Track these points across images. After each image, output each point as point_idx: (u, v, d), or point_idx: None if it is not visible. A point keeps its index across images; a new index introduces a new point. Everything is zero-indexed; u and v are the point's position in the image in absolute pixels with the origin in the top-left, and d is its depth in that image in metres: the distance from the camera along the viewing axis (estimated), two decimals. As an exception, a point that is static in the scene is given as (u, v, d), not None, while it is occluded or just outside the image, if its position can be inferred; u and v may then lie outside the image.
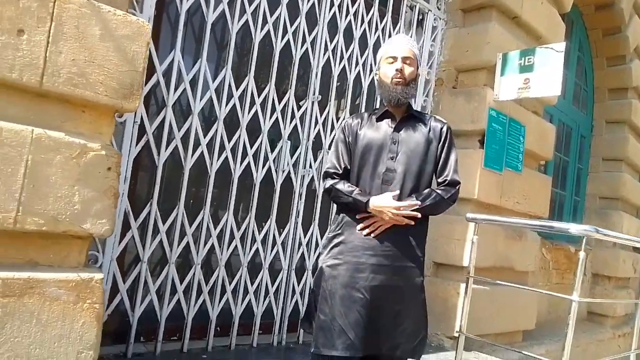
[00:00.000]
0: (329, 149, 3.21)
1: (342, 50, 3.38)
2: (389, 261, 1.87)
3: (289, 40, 3.10)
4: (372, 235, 1.89)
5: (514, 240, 4.00)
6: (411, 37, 3.80)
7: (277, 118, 3.07)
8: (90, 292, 1.88)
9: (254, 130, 2.97)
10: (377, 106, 2.42)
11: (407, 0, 3.76)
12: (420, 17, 3.91)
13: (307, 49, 3.20)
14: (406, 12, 3.82)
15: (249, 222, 2.96)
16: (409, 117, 2.02)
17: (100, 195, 1.90)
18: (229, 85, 2.84)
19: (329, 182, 1.99)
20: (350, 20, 3.40)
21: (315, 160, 3.25)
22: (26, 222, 1.75)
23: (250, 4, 2.90)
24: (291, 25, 3.10)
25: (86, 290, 1.87)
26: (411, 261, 1.91)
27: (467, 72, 3.96)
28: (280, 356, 2.94)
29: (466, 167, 3.74)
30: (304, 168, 3.19)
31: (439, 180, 2.01)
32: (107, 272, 2.42)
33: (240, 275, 2.94)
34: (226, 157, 2.85)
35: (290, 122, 3.14)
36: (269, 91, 3.02)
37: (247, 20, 2.89)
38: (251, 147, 2.95)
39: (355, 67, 3.50)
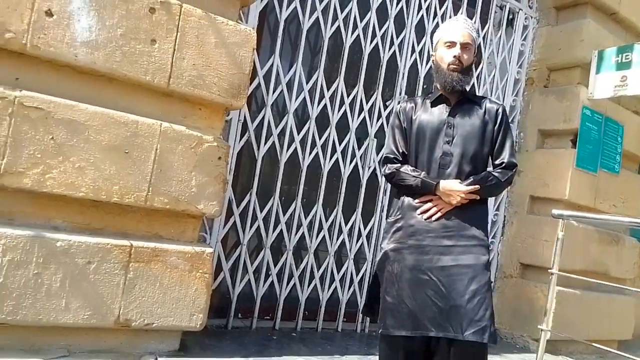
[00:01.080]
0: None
1: (429, 52, 3.49)
2: (452, 242, 1.88)
3: (377, 43, 3.27)
4: (434, 218, 1.91)
5: (609, 245, 3.83)
6: (500, 37, 3.81)
7: (364, 117, 3.25)
8: (202, 263, 2.18)
9: (342, 128, 3.18)
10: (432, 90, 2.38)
11: (496, 0, 3.78)
12: (511, 17, 3.90)
13: (394, 51, 3.35)
14: (495, 12, 3.84)
15: (336, 214, 3.17)
16: (463, 101, 2.01)
17: (212, 180, 2.21)
18: (321, 87, 3.07)
19: (392, 166, 2.01)
20: (437, 23, 3.50)
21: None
22: (154, 200, 2.09)
23: (342, 11, 3.11)
24: (380, 29, 3.27)
25: (199, 261, 2.18)
26: (474, 241, 1.90)
27: (559, 70, 3.87)
28: (363, 342, 3.10)
29: (557, 167, 3.68)
30: (390, 165, 3.34)
31: (496, 162, 2.01)
32: (213, 252, 2.74)
33: (327, 264, 3.15)
34: (317, 153, 3.08)
35: (377, 121, 3.30)
36: (357, 92, 3.21)
37: (338, 26, 3.11)
38: (340, 144, 3.16)
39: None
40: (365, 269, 3.31)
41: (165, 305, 2.11)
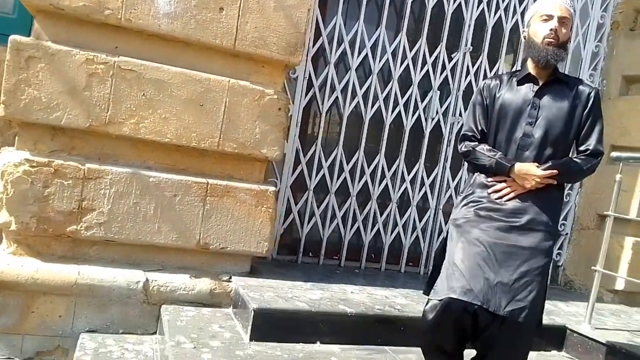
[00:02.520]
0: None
1: (497, 2, 3.47)
2: (519, 223, 1.85)
3: (441, -4, 3.33)
4: (505, 199, 1.88)
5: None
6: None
7: (427, 70, 3.37)
8: (266, 199, 2.56)
9: (405, 82, 3.33)
10: (519, 67, 2.25)
11: (576, -59, 3.60)
12: (594, -43, 3.68)
13: (460, 2, 3.38)
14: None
15: (398, 164, 3.37)
16: (553, 81, 1.92)
17: (273, 128, 2.55)
18: (383, 42, 3.24)
19: (469, 144, 1.99)
20: (506, -29, 3.45)
21: (465, 110, 3.46)
22: (225, 146, 2.48)
23: (403, -33, 3.22)
24: (443, -18, 3.32)
25: (264, 197, 2.55)
26: (542, 225, 1.86)
27: (648, 11, 3.61)
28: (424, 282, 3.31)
29: (641, 115, 3.50)
30: (454, 116, 3.44)
31: (581, 148, 1.93)
32: (283, 195, 3.12)
33: (390, 210, 3.39)
34: (379, 106, 3.29)
35: (441, 74, 3.40)
36: (420, 45, 3.32)
37: (400, -18, 3.23)
38: (402, 97, 3.33)
39: (513, 16, 3.54)
40: (428, 217, 3.49)
41: (236, 233, 2.53)
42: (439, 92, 3.39)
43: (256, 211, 2.55)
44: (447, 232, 2.01)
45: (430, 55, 3.37)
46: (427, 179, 3.45)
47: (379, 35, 3.24)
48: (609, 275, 3.54)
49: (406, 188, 3.42)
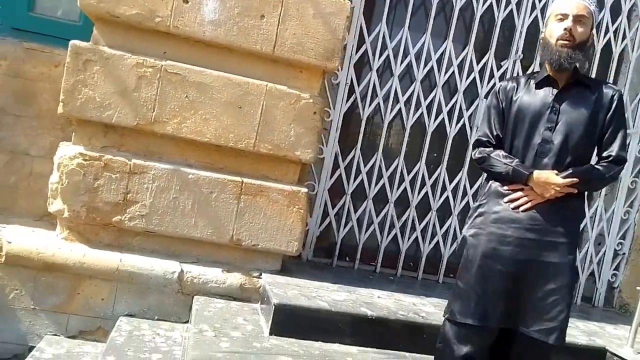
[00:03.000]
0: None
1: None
2: (537, 236, 1.76)
3: (491, 3, 3.27)
4: (522, 208, 1.80)
5: None
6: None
7: (474, 78, 3.31)
8: (298, 200, 2.63)
9: (450, 89, 3.29)
10: (537, 69, 2.11)
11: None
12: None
13: (512, 9, 3.30)
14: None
15: (440, 172, 3.33)
16: (574, 84, 1.82)
17: (307, 131, 2.62)
18: (428, 50, 3.23)
19: (484, 150, 1.90)
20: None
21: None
22: (261, 147, 2.59)
23: (451, -26, 3.20)
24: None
25: (295, 198, 2.63)
26: (562, 238, 1.77)
27: None
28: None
29: None
30: (500, 126, 3.34)
31: (603, 154, 1.84)
32: (320, 198, 3.18)
33: (430, 218, 3.35)
34: (421, 113, 3.27)
35: (489, 82, 3.33)
36: (467, 53, 3.27)
37: (448, -12, 3.21)
38: (446, 105, 3.29)
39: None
40: (470, 227, 3.41)
41: (267, 232, 2.62)
42: (485, 101, 3.32)
43: (288, 211, 2.63)
44: (462, 244, 1.92)
45: (478, 63, 3.31)
46: (470, 188, 3.38)
47: (424, 42, 3.23)
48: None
49: (447, 197, 3.36)
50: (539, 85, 1.86)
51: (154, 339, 2.29)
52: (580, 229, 1.92)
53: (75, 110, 2.43)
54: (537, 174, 1.79)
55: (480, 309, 1.77)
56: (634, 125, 3.52)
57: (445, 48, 3.26)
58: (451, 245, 3.39)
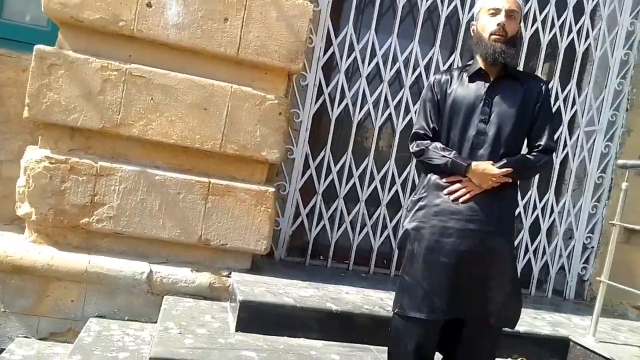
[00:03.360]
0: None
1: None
2: (477, 226, 1.80)
3: (456, 5, 3.34)
4: (461, 200, 1.83)
5: None
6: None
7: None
8: (265, 200, 2.67)
9: (419, 89, 3.36)
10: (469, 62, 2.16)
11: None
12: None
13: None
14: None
15: (410, 170, 3.38)
16: (504, 77, 1.88)
17: (273, 132, 2.66)
18: (395, 51, 3.29)
19: (421, 143, 1.93)
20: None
21: None
22: (227, 147, 2.63)
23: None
24: None
25: (263, 198, 2.67)
26: (500, 226, 1.83)
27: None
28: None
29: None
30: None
31: (534, 144, 1.89)
32: (292, 198, 3.21)
33: (400, 216, 3.40)
34: (390, 114, 3.33)
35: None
36: (433, 54, 3.34)
37: None
38: (414, 105, 3.35)
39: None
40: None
41: (236, 231, 2.65)
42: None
43: (255, 210, 2.66)
44: (404, 238, 1.95)
45: (444, 63, 3.38)
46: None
47: (391, 43, 3.29)
48: (634, 292, 3.37)
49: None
50: (471, 79, 1.90)
51: (123, 338, 2.30)
52: (515, 217, 1.98)
53: (40, 114, 2.46)
54: (475, 165, 1.82)
55: (427, 302, 1.80)
56: (598, 122, 3.61)
57: (412, 49, 3.33)
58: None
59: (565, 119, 3.53)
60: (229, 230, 2.65)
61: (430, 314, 1.79)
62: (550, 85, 1.92)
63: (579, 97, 3.55)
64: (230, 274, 2.66)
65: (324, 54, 3.20)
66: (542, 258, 3.60)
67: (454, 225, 1.82)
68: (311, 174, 3.26)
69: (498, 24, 1.81)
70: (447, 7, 3.33)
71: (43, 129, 2.54)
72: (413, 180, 3.39)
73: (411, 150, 2.00)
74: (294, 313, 2.27)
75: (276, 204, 2.78)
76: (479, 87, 1.88)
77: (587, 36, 3.57)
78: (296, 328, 2.27)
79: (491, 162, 1.84)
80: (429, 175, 1.94)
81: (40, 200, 2.47)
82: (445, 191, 1.87)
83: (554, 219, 3.61)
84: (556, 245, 3.62)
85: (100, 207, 2.52)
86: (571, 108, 3.55)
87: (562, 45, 3.50)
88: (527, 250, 3.57)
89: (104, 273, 2.50)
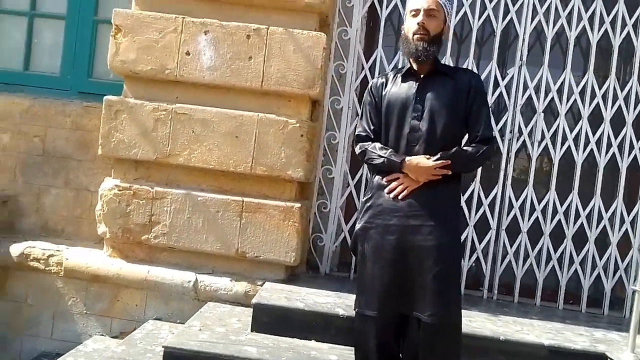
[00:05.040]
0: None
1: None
2: (418, 222, 1.85)
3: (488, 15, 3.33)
4: (400, 197, 1.89)
5: None
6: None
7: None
8: (292, 215, 2.93)
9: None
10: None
11: None
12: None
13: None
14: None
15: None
16: (434, 73, 1.94)
17: (296, 153, 2.93)
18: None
19: (363, 145, 2.01)
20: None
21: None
22: (257, 169, 2.96)
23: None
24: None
25: (290, 213, 2.93)
26: (442, 221, 1.86)
27: None
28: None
29: None
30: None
31: (471, 136, 1.93)
32: (333, 215, 3.41)
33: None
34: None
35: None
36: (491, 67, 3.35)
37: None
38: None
39: None
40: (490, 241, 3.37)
41: (267, 244, 2.94)
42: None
43: (284, 225, 2.93)
44: (354, 239, 2.05)
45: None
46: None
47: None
48: None
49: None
50: (404, 79, 1.99)
51: (167, 336, 2.70)
52: (460, 209, 1.96)
53: (110, 151, 3.04)
54: (408, 160, 1.89)
55: (376, 299, 1.87)
56: None
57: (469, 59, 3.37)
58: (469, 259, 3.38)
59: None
60: (261, 244, 2.95)
61: (380, 311, 1.87)
62: (482, 77, 1.96)
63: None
64: (264, 283, 2.94)
65: (356, 79, 3.40)
66: (614, 274, 3.27)
67: (395, 223, 1.88)
68: (351, 192, 3.43)
69: (418, 23, 1.90)
70: (478, 20, 3.32)
71: (114, 163, 3.13)
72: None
73: (356, 152, 2.10)
74: (303, 317, 2.46)
75: (303, 219, 3.01)
76: (411, 86, 1.96)
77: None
78: (305, 330, 2.45)
79: (427, 155, 1.89)
80: (374, 177, 2.03)
81: (112, 221, 3.02)
82: (386, 190, 1.94)
83: (626, 229, 3.28)
84: (609, 257, 3.26)
85: (156, 225, 3.00)
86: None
87: (616, 41, 3.24)
88: (594, 265, 3.27)
89: (160, 282, 2.95)
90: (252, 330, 2.47)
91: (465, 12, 3.29)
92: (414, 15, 1.95)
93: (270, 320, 2.46)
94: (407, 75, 2.01)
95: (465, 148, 1.95)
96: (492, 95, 3.28)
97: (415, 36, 1.92)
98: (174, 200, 2.99)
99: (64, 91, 3.59)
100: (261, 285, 2.93)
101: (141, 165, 3.08)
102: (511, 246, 3.27)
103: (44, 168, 3.44)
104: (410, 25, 1.97)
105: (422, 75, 1.98)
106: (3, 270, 3.09)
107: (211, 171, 3.02)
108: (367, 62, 3.40)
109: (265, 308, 2.49)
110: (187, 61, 2.99)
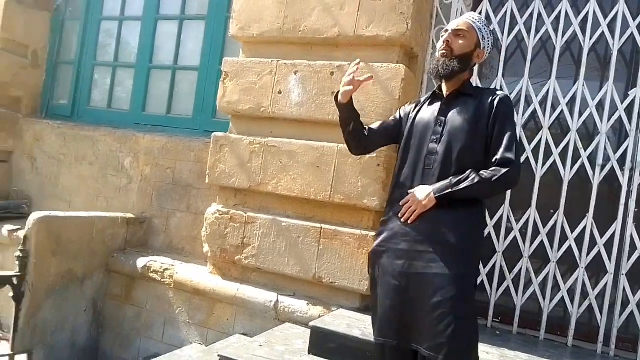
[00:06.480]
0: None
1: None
2: (424, 247, 1.78)
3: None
4: (409, 221, 1.84)
5: None
6: None
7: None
8: (366, 243, 2.95)
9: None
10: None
11: None
12: None
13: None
14: None
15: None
16: (457, 95, 1.89)
17: (372, 182, 2.98)
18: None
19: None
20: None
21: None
22: (335, 197, 3.07)
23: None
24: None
25: (364, 241, 2.96)
26: (450, 249, 1.76)
27: None
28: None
29: None
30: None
31: (492, 160, 1.81)
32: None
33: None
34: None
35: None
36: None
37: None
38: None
39: None
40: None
41: (342, 271, 3.00)
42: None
43: (358, 253, 2.97)
44: (368, 263, 2.02)
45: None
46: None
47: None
48: None
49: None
50: (431, 102, 2.01)
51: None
52: (479, 237, 1.76)
53: (215, 180, 3.46)
54: (410, 192, 1.88)
55: (380, 325, 1.84)
56: None
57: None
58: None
59: None
60: (336, 270, 3.01)
61: (383, 338, 1.84)
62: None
63: None
64: (338, 309, 2.98)
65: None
66: None
67: (404, 247, 1.84)
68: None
69: (444, 41, 1.94)
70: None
71: (219, 190, 3.54)
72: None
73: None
74: (358, 344, 2.43)
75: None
76: (435, 109, 1.96)
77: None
78: (359, 357, 2.42)
79: (426, 186, 1.85)
80: (394, 192, 2.02)
81: (212, 241, 3.41)
82: (399, 213, 1.90)
83: None
84: None
85: (247, 247, 3.29)
86: None
87: None
88: None
89: (246, 299, 3.21)
90: (309, 353, 2.53)
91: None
92: (443, 35, 1.99)
93: (326, 345, 2.50)
94: (434, 98, 2.02)
95: (480, 172, 1.82)
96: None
97: (439, 52, 1.96)
98: (262, 225, 3.26)
99: (194, 130, 4.21)
100: (334, 311, 2.97)
101: (239, 192, 3.44)
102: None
103: (173, 195, 4.05)
104: (439, 46, 2.00)
105: (446, 97, 1.96)
106: (131, 280, 3.67)
107: (295, 199, 3.22)
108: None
109: (322, 332, 2.54)
110: (279, 99, 3.29)
